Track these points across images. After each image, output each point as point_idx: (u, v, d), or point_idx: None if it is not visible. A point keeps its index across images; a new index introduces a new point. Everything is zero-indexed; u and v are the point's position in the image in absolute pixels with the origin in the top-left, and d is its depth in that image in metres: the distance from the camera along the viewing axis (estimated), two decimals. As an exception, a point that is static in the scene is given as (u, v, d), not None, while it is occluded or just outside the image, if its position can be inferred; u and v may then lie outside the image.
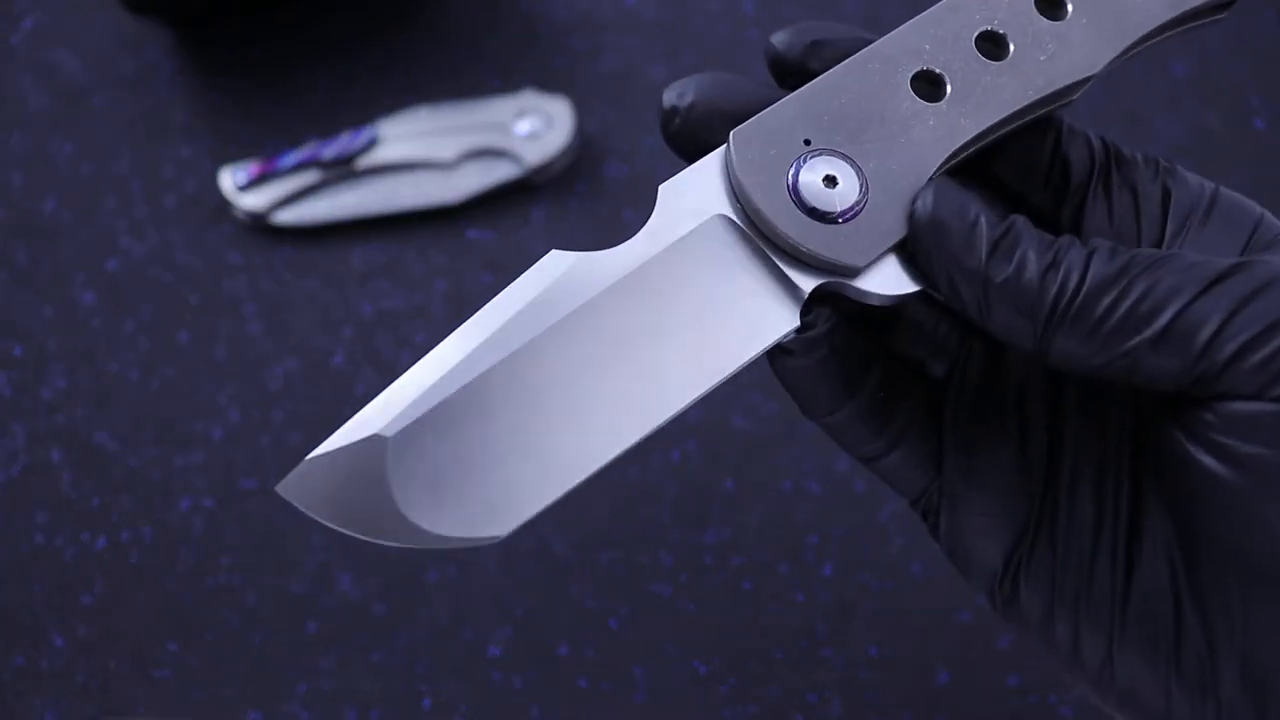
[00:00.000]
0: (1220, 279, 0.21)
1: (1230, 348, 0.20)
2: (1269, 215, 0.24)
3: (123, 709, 0.43)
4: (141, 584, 0.44)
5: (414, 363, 0.22)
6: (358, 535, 0.21)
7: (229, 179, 0.48)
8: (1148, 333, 0.21)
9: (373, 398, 0.22)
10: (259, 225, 0.49)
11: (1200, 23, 0.25)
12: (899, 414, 0.25)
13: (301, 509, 0.21)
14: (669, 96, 0.24)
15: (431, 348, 0.22)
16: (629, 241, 0.23)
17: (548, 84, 0.51)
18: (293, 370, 0.47)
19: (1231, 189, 0.25)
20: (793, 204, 0.23)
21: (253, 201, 0.48)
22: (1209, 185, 0.24)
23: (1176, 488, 0.22)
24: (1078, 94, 0.24)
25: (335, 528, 0.21)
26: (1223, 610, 0.21)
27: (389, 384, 0.22)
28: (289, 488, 0.21)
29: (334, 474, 0.21)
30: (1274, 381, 0.20)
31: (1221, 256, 0.22)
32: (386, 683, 0.43)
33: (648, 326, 0.22)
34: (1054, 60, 0.24)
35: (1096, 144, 0.25)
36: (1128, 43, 0.24)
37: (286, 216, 0.48)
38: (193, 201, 0.50)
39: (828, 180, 0.23)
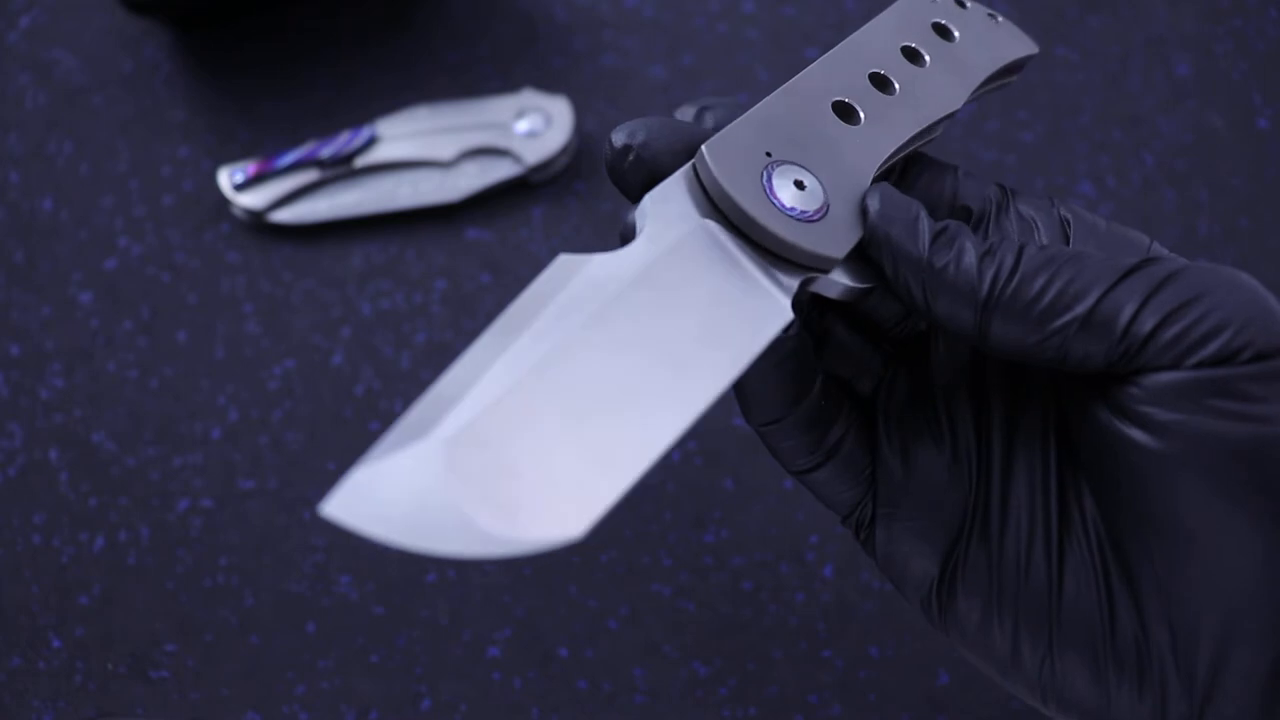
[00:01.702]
0: (1135, 269, 0.23)
1: (1149, 323, 0.22)
2: (1157, 243, 0.27)
3: (121, 709, 0.43)
4: (140, 584, 0.44)
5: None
6: (423, 548, 0.19)
7: (227, 178, 0.48)
8: (1077, 311, 0.23)
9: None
10: (257, 224, 0.49)
11: (1009, 80, 0.31)
12: (834, 427, 0.27)
13: (355, 527, 0.19)
14: (619, 137, 0.26)
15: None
16: (632, 244, 0.24)
17: (547, 83, 0.51)
18: (291, 370, 0.47)
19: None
20: (773, 206, 0.25)
21: (251, 200, 0.48)
22: (1102, 220, 0.27)
23: (1102, 465, 0.24)
24: (949, 121, 0.28)
25: (396, 542, 0.19)
26: (1150, 580, 0.23)
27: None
28: (337, 508, 0.19)
29: (388, 487, 0.20)
30: (1188, 352, 0.22)
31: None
32: (386, 683, 0.43)
33: (668, 321, 0.23)
34: (927, 97, 0.28)
35: (992, 188, 0.27)
36: (974, 85, 0.29)
37: (285, 216, 0.48)
38: (191, 201, 0.50)
39: (798, 184, 0.25)
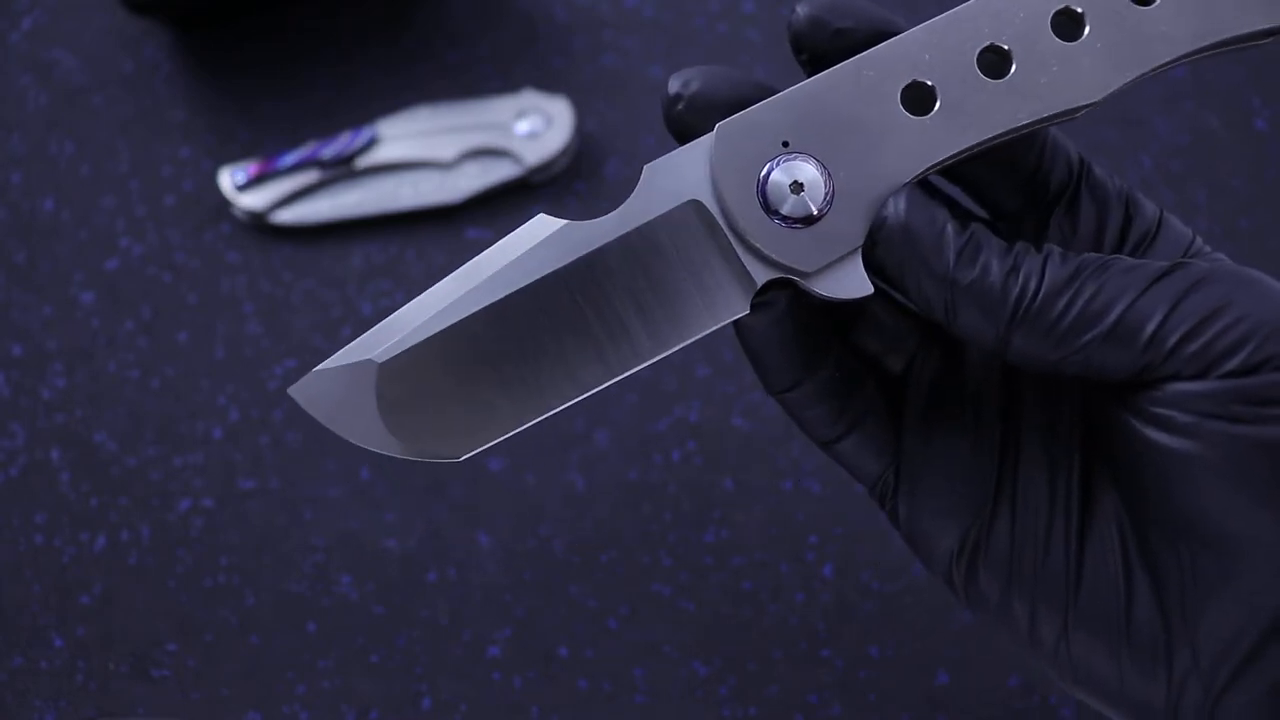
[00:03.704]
0: (1160, 278, 0.23)
1: (1174, 337, 0.23)
2: (1199, 238, 0.27)
3: (122, 709, 0.43)
4: (141, 584, 0.44)
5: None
6: (345, 438, 0.25)
7: (228, 178, 0.48)
8: (1099, 329, 0.23)
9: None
10: (258, 225, 0.49)
11: (1220, 51, 0.24)
12: (857, 398, 0.27)
13: (306, 410, 0.25)
14: (674, 84, 0.26)
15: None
16: (609, 214, 0.25)
17: (548, 84, 0.51)
18: (292, 370, 0.47)
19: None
20: (758, 203, 0.24)
21: (252, 201, 0.48)
22: (1157, 209, 0.27)
23: (1126, 463, 0.24)
24: (1073, 117, 0.24)
25: (330, 429, 0.25)
26: (1175, 573, 0.23)
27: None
28: (298, 391, 0.25)
29: (334, 386, 0.25)
30: (1213, 365, 0.22)
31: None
32: (386, 683, 0.43)
33: (618, 292, 0.25)
34: (1054, 84, 0.23)
35: (1075, 161, 0.26)
36: (1140, 72, 0.24)
37: (286, 216, 0.48)
38: (192, 201, 0.50)
39: (794, 186, 0.24)
